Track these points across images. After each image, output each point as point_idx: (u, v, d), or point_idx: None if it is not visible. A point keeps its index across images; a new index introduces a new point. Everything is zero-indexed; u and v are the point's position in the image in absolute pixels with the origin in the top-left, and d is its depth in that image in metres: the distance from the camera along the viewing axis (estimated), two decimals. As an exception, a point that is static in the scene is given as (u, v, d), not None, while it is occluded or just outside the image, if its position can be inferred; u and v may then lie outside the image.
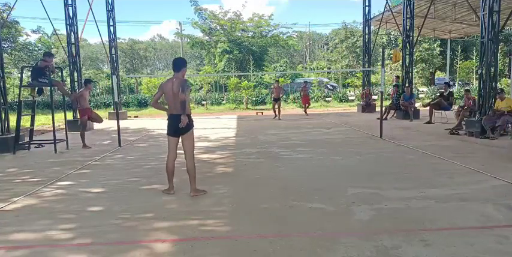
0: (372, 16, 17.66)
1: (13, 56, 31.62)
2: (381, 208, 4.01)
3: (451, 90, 13.88)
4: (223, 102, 23.73)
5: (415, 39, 13.95)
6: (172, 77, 4.59)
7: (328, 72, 35.52)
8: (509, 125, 8.68)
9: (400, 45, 16.71)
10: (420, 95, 22.44)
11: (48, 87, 9.03)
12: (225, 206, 4.25)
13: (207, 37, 32.26)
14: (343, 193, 4.58)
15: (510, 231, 3.34)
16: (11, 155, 8.00)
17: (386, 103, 14.26)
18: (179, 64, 4.61)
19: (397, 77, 15.92)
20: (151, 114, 20.01)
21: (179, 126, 4.44)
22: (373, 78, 25.87)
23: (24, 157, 7.86)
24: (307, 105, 16.86)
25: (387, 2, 15.05)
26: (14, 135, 8.36)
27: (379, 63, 34.27)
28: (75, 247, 3.27)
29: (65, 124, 9.37)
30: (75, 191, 5.01)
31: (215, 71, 29.89)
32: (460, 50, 28.74)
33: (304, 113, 16.65)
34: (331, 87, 28.70)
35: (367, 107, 16.71)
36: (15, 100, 16.36)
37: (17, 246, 3.30)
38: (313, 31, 58.20)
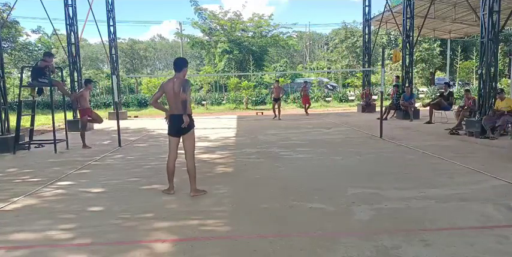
0: (372, 16, 17.66)
1: (13, 56, 31.63)
2: (381, 208, 4.01)
3: (451, 90, 13.88)
4: (223, 102, 23.73)
5: (415, 39, 13.95)
6: (173, 77, 4.59)
7: (328, 72, 35.53)
8: (509, 125, 8.68)
9: (400, 45, 16.71)
10: (420, 95, 22.44)
11: (48, 87, 9.03)
12: (225, 206, 4.25)
13: (207, 37, 32.27)
14: (343, 193, 4.58)
15: (510, 231, 3.34)
16: (11, 155, 8.00)
17: (386, 103, 14.26)
18: (180, 64, 4.61)
19: (397, 77, 15.92)
20: (151, 114, 20.01)
21: (181, 126, 4.44)
22: (373, 78, 25.87)
23: (24, 157, 7.86)
24: (307, 105, 16.84)
25: (387, 2, 15.06)
26: (14, 135, 8.36)
27: (379, 63, 34.27)
28: (75, 247, 3.27)
29: (65, 124, 9.37)
30: (75, 191, 5.01)
31: (215, 71, 29.89)
32: (460, 50, 28.74)
33: (304, 113, 16.64)
34: (331, 87, 28.70)
35: (367, 107, 16.71)
36: (15, 100, 16.36)
37: (17, 246, 3.30)
38: (313, 31, 58.29)
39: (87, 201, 4.54)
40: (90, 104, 9.22)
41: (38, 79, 8.28)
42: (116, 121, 8.87)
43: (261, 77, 31.18)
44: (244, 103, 22.84)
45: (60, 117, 11.21)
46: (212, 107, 22.76)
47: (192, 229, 3.58)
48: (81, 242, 3.34)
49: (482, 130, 8.65)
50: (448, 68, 32.00)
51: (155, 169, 6.14)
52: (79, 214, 4.06)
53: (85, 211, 4.17)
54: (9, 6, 22.86)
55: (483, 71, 8.83)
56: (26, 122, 10.07)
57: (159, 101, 4.93)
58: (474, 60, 26.79)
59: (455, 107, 11.98)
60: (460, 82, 29.35)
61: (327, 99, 23.98)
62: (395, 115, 13.63)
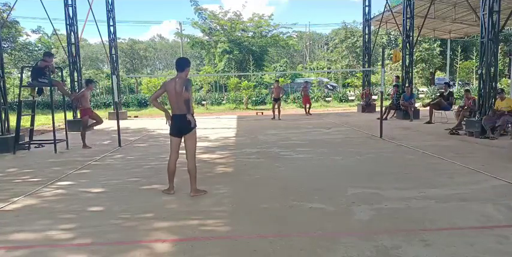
0: (372, 16, 17.65)
1: (13, 56, 31.63)
2: (381, 208, 4.01)
3: (451, 90, 13.88)
4: (223, 102, 23.73)
5: (415, 39, 13.95)
6: (175, 77, 4.59)
7: (328, 72, 35.53)
8: (509, 125, 8.69)
9: (400, 45, 16.72)
10: (420, 95, 22.44)
11: (48, 87, 9.03)
12: (225, 206, 4.25)
13: (207, 37, 32.27)
14: (343, 193, 4.58)
15: (510, 231, 3.34)
16: (11, 155, 8.00)
17: (387, 103, 14.26)
18: (183, 64, 4.61)
19: (397, 77, 15.92)
20: (151, 114, 20.01)
21: (186, 125, 4.44)
22: (373, 78, 25.88)
23: (24, 157, 7.86)
24: (308, 105, 16.73)
25: (387, 2, 15.05)
26: (14, 135, 8.36)
27: (379, 63, 34.29)
28: (75, 247, 3.27)
29: (65, 124, 9.37)
30: (75, 191, 5.01)
31: (215, 71, 29.89)
32: (460, 50, 28.73)
33: (304, 113, 16.62)
34: (331, 87, 28.69)
35: (367, 107, 16.71)
36: (15, 100, 16.36)
37: (17, 246, 3.30)
38: (313, 31, 58.30)
39: (87, 201, 4.54)
40: (90, 104, 9.23)
41: (38, 79, 8.28)
42: (116, 121, 8.87)
43: (261, 77, 31.19)
44: (244, 103, 22.84)
45: (60, 117, 11.22)
46: (212, 107, 22.75)
47: (192, 229, 3.58)
48: (81, 242, 3.34)
49: (482, 130, 8.65)
50: (448, 68, 32.00)
51: (155, 169, 6.14)
52: (79, 214, 4.06)
53: (85, 211, 4.17)
54: (9, 6, 22.88)
55: (483, 71, 8.83)
56: (26, 122, 10.07)
57: (159, 100, 4.93)
58: (474, 60, 26.79)
59: (455, 107, 11.98)
60: (460, 82, 29.35)
61: (327, 99, 23.97)
62: (395, 115, 13.63)
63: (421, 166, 5.95)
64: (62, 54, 28.78)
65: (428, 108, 12.23)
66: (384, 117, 11.36)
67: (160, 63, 63.33)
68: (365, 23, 17.65)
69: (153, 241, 3.32)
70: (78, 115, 12.27)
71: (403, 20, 13.64)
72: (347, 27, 40.64)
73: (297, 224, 3.65)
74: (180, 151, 4.70)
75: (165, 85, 4.62)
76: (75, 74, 13.40)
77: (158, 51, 61.51)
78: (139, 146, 8.81)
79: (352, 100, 23.36)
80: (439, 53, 31.65)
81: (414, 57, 18.44)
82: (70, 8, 13.05)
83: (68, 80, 15.85)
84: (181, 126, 4.51)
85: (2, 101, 8.78)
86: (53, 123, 8.42)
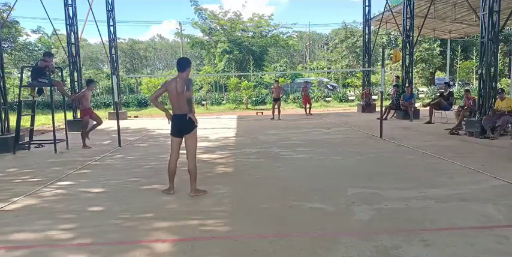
0: (372, 16, 17.65)
1: (13, 56, 31.62)
2: (381, 208, 4.01)
3: (451, 90, 13.88)
4: (223, 102, 23.73)
5: (415, 39, 13.95)
6: (176, 77, 4.59)
7: (328, 72, 35.53)
8: (509, 125, 8.69)
9: (400, 45, 16.72)
10: (420, 95, 22.44)
11: (48, 87, 9.03)
12: (225, 206, 4.25)
13: (207, 37, 32.28)
14: (343, 193, 4.58)
15: (510, 231, 3.34)
16: (11, 155, 8.00)
17: (386, 103, 14.26)
18: (184, 64, 4.62)
19: (397, 77, 15.92)
20: (151, 114, 20.01)
21: (186, 125, 4.45)
22: (373, 78, 25.87)
23: (24, 157, 7.86)
24: (308, 105, 16.61)
25: (387, 2, 15.05)
26: (14, 135, 8.36)
27: (379, 63, 34.29)
28: (75, 247, 3.27)
29: (65, 124, 9.37)
30: (75, 191, 5.01)
31: (215, 71, 29.89)
32: (460, 50, 28.73)
33: (304, 113, 16.59)
34: (331, 87, 28.70)
35: (367, 107, 16.71)
36: (15, 100, 16.36)
37: (17, 246, 3.30)
38: (313, 31, 58.30)
39: (87, 201, 4.54)
40: (90, 104, 9.23)
41: (38, 79, 8.27)
42: (116, 121, 8.88)
43: (261, 77, 31.18)
44: (244, 103, 22.84)
45: (60, 117, 11.22)
46: (212, 107, 22.76)
47: (192, 229, 3.58)
48: (81, 242, 3.34)
49: (482, 130, 8.65)
50: (448, 68, 32.00)
51: (155, 169, 6.14)
52: (79, 214, 4.06)
53: (85, 211, 4.17)
54: (9, 6, 22.88)
55: (483, 71, 8.83)
56: (26, 122, 10.07)
57: (159, 100, 4.93)
58: (474, 60, 26.79)
59: (455, 107, 11.98)
60: (460, 82, 29.35)
61: (327, 99, 23.98)
62: (395, 115, 13.63)
63: (421, 166, 5.95)
64: (62, 54, 28.78)
65: (428, 108, 12.23)
66: (384, 117, 11.37)
67: (160, 63, 63.32)
68: (365, 23, 17.65)
69: (153, 241, 3.32)
70: (78, 115, 12.31)
71: (403, 20, 13.64)
72: (347, 27, 40.65)
73: (297, 224, 3.65)
74: (180, 151, 4.71)
75: (166, 85, 4.62)
76: (75, 74, 13.40)
77: (158, 51, 61.51)
78: (139, 146, 8.81)
79: (352, 100, 23.36)
80: (439, 53, 31.64)
81: (414, 57, 18.45)
82: (70, 8, 13.06)
83: (68, 80, 15.86)
84: (182, 126, 4.51)
85: (2, 101, 8.78)
86: (53, 123, 8.42)
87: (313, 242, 3.22)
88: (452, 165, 5.95)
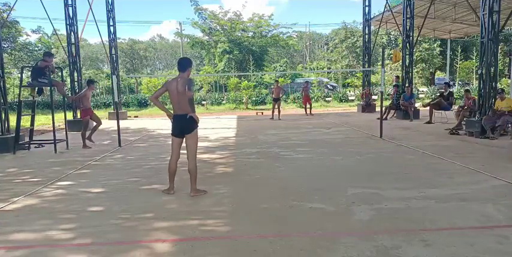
0: (372, 16, 17.65)
1: (13, 56, 31.62)
2: (381, 208, 4.01)
3: (451, 90, 13.88)
4: (223, 102, 23.73)
5: (415, 39, 13.95)
6: (177, 77, 4.60)
7: (328, 72, 35.52)
8: (509, 125, 8.69)
9: (400, 45, 16.72)
10: (420, 95, 22.44)
11: (48, 87, 9.03)
12: (225, 206, 4.25)
13: (207, 37, 32.28)
14: (343, 193, 4.58)
15: (510, 231, 3.34)
16: (11, 155, 8.00)
17: (386, 103, 14.26)
18: (185, 64, 4.62)
19: (397, 77, 15.92)
20: (151, 114, 20.02)
21: (188, 125, 4.46)
22: (373, 78, 25.88)
23: (24, 157, 7.86)
24: (308, 105, 16.50)
25: (387, 2, 15.05)
26: (14, 135, 8.36)
27: (379, 63, 34.29)
28: (75, 247, 3.27)
29: (65, 124, 9.37)
30: (75, 191, 5.01)
31: (215, 71, 29.89)
32: (460, 50, 28.73)
33: (305, 113, 16.57)
34: (331, 87, 28.70)
35: (367, 107, 16.71)
36: (15, 100, 16.36)
37: (17, 246, 3.30)
38: (313, 31, 58.29)
39: (87, 201, 4.54)
40: (91, 104, 9.23)
41: (38, 79, 8.28)
42: (116, 121, 8.88)
43: (261, 77, 31.18)
44: (244, 103, 22.84)
45: (60, 117, 11.22)
46: (212, 107, 22.76)
47: (192, 229, 3.58)
48: (81, 242, 3.34)
49: (482, 130, 8.65)
50: (448, 68, 32.00)
51: (155, 169, 6.14)
52: (79, 214, 4.06)
53: (85, 211, 4.17)
54: (9, 6, 22.87)
55: (483, 71, 8.83)
56: (26, 122, 10.07)
57: (160, 100, 4.92)
58: (474, 60, 26.79)
59: (455, 107, 11.98)
60: (460, 82, 29.35)
61: (327, 99, 23.98)
62: (395, 115, 13.63)
63: (421, 166, 5.95)
64: (62, 54, 28.78)
65: (428, 108, 12.23)
66: (384, 117, 11.37)
67: (160, 63, 63.32)
68: (365, 23, 17.65)
69: (153, 241, 3.32)
70: (78, 115, 12.31)
71: (403, 20, 13.64)
72: (347, 27, 40.65)
73: (297, 224, 3.65)
74: (181, 151, 4.71)
75: (167, 85, 4.61)
76: (75, 74, 13.40)
77: (158, 51, 61.51)
78: (139, 146, 8.81)
79: (352, 100, 23.37)
80: (439, 53, 31.64)
81: (414, 57, 18.45)
82: (70, 8, 13.06)
83: (68, 80, 15.86)
84: (183, 126, 4.52)
85: (2, 101, 8.78)
86: (53, 123, 8.42)
87: (313, 242, 3.22)
88: (452, 165, 5.95)
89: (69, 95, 12.48)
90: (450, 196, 4.36)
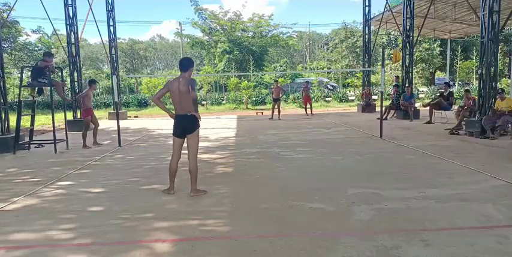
0: (372, 16, 17.66)
1: (13, 56, 31.62)
2: (381, 208, 4.01)
3: (451, 90, 13.88)
4: (223, 102, 23.74)
5: (415, 39, 13.95)
6: (178, 77, 4.60)
7: (328, 72, 35.53)
8: (509, 125, 8.69)
9: (400, 45, 16.72)
10: (420, 95, 22.45)
11: (48, 87, 9.04)
12: (225, 206, 4.25)
13: (207, 37, 32.28)
14: (343, 193, 4.58)
15: (510, 231, 3.34)
16: (11, 155, 8.00)
17: (386, 103, 14.26)
18: (186, 64, 4.63)
19: (397, 77, 15.92)
20: (151, 114, 20.02)
21: (189, 125, 4.47)
22: (373, 78, 25.88)
23: (24, 157, 7.86)
24: (309, 105, 16.44)
25: (387, 2, 15.05)
26: (14, 135, 8.36)
27: (379, 63, 34.30)
28: (75, 247, 3.27)
29: (65, 124, 9.37)
30: (75, 191, 5.01)
31: (215, 71, 29.89)
32: (460, 50, 28.73)
33: (305, 113, 16.56)
34: (331, 87, 28.71)
35: (367, 107, 16.71)
36: (15, 100, 16.36)
37: (17, 246, 3.30)
38: (313, 31, 58.29)
39: (87, 201, 4.54)
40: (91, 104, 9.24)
41: (37, 79, 8.28)
42: (116, 121, 8.88)
43: (261, 77, 31.18)
44: (244, 103, 22.84)
45: (60, 117, 11.21)
46: (212, 107, 22.76)
47: (192, 229, 3.58)
48: (81, 242, 3.34)
49: (482, 130, 8.65)
50: (448, 68, 32.00)
51: (155, 169, 6.14)
52: (79, 214, 4.06)
53: (85, 211, 4.17)
54: (9, 6, 22.87)
55: (483, 71, 8.83)
56: (26, 122, 10.07)
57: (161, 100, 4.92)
58: (474, 60, 26.79)
59: (455, 107, 11.98)
60: (460, 82, 29.35)
61: (327, 99, 23.98)
62: (395, 115, 13.63)
63: (421, 166, 5.95)
64: (62, 54, 28.78)
65: (428, 108, 12.23)
66: (384, 117, 11.37)
67: (160, 63, 63.33)
68: (365, 23, 17.65)
69: (153, 241, 3.32)
70: (78, 115, 12.32)
71: (403, 20, 13.64)
72: (347, 27, 40.66)
73: (297, 224, 3.65)
74: (182, 151, 4.71)
75: (168, 85, 4.61)
76: (75, 74, 13.40)
77: (158, 51, 61.52)
78: (139, 146, 8.81)
79: (352, 100, 23.37)
80: (439, 53, 31.65)
81: (414, 57, 18.45)
82: (70, 8, 13.06)
83: (68, 80, 15.85)
84: (185, 126, 4.52)
85: (2, 101, 8.78)
86: (53, 123, 8.42)
87: (313, 242, 3.22)
88: (452, 165, 5.95)
89: (69, 95, 12.48)
90: (450, 196, 4.36)
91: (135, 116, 18.51)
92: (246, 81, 25.21)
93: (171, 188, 4.73)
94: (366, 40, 17.54)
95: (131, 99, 24.41)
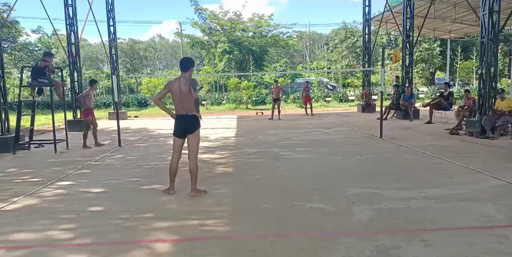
0: (372, 16, 17.66)
1: (13, 56, 31.62)
2: (381, 208, 4.01)
3: (451, 90, 13.88)
4: (223, 102, 23.74)
5: (415, 39, 13.95)
6: (179, 77, 4.60)
7: (328, 72, 35.53)
8: (509, 125, 8.69)
9: (400, 45, 16.72)
10: (420, 95, 22.44)
11: (48, 87, 9.03)
12: (225, 206, 4.25)
13: (207, 37, 32.29)
14: (343, 193, 4.58)
15: (510, 231, 3.34)
16: (11, 155, 8.00)
17: (386, 103, 14.26)
18: (187, 64, 4.63)
19: (397, 77, 15.92)
20: (151, 114, 20.02)
21: (190, 125, 4.48)
22: (373, 78, 25.88)
23: (24, 157, 7.86)
24: (309, 105, 16.39)
25: (387, 2, 15.05)
26: (14, 135, 8.36)
27: (379, 63, 34.29)
28: (75, 247, 3.27)
29: (65, 124, 9.37)
30: (75, 191, 5.01)
31: (215, 71, 29.89)
32: (460, 50, 28.73)
33: (305, 113, 16.56)
34: (331, 87, 28.70)
35: (367, 107, 16.71)
36: (15, 100, 16.36)
37: (17, 246, 3.30)
38: (313, 31, 58.30)
39: (87, 201, 4.54)
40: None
41: (37, 79, 8.28)
42: (116, 121, 8.88)
43: (261, 77, 31.18)
44: (244, 103, 22.84)
45: (60, 117, 11.21)
46: (212, 107, 22.76)
47: (192, 229, 3.58)
48: (81, 242, 3.34)
49: (482, 130, 8.65)
50: (448, 68, 32.00)
51: (155, 169, 6.14)
52: (79, 214, 4.06)
53: (85, 211, 4.17)
54: (9, 6, 22.86)
55: (483, 71, 8.83)
56: (26, 122, 10.07)
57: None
58: (474, 60, 26.79)
59: (455, 107, 11.98)
60: (460, 82, 29.35)
61: (327, 99, 23.98)
62: (395, 115, 13.63)
63: (421, 166, 5.95)
64: (62, 54, 28.78)
65: (428, 108, 12.23)
66: (384, 117, 11.37)
67: (160, 63, 63.33)
68: (365, 23, 17.65)
69: (153, 241, 3.32)
70: (78, 115, 12.33)
71: (403, 20, 13.64)
72: (347, 27, 40.66)
73: (297, 224, 3.64)
74: (182, 151, 4.71)
75: (169, 85, 4.60)
76: (75, 74, 13.39)
77: (158, 51, 61.52)
78: (139, 146, 8.81)
79: (352, 100, 23.37)
80: (439, 53, 31.65)
81: (414, 57, 18.45)
82: (70, 8, 13.05)
83: (68, 80, 15.86)
84: (186, 126, 4.52)
85: (2, 101, 8.78)
86: (53, 123, 8.42)
87: (313, 242, 3.22)
88: (452, 165, 5.95)
89: (69, 95, 12.48)
90: (450, 196, 4.36)
91: (135, 116, 18.51)
92: (246, 81, 25.21)
93: (171, 188, 4.73)
94: (366, 40, 17.54)
95: (131, 99, 24.40)
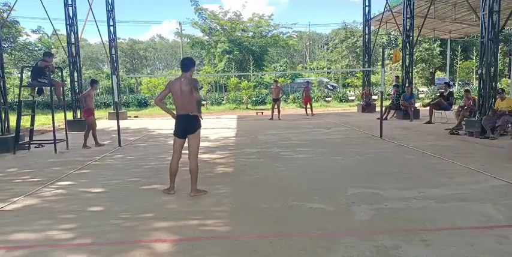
0: (372, 16, 17.66)
1: (13, 56, 31.63)
2: (381, 208, 4.01)
3: (451, 90, 13.89)
4: (223, 102, 23.74)
5: (415, 39, 13.95)
6: (180, 77, 4.60)
7: (328, 72, 35.53)
8: (509, 125, 8.69)
9: (400, 45, 16.72)
10: (420, 95, 22.45)
11: (48, 88, 9.03)
12: (225, 206, 4.25)
13: (207, 37, 32.29)
14: (343, 193, 4.58)
15: (510, 231, 3.34)
16: (11, 155, 8.00)
17: (386, 103, 14.26)
18: (188, 64, 4.63)
19: (397, 77, 15.92)
20: (152, 114, 20.02)
21: (191, 125, 4.47)
22: (373, 78, 25.88)
23: (24, 157, 7.86)
24: (309, 105, 16.37)
25: (387, 2, 15.05)
26: (14, 135, 8.36)
27: (379, 63, 34.29)
28: (75, 247, 3.26)
29: (65, 124, 9.38)
30: (75, 191, 5.01)
31: (215, 71, 29.89)
32: (460, 50, 28.74)
33: (305, 113, 16.55)
34: (331, 87, 28.71)
35: (367, 107, 16.71)
36: (15, 100, 16.37)
37: (17, 246, 3.30)
38: (313, 31, 58.30)
39: (87, 201, 4.54)
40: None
41: (37, 79, 8.28)
42: (116, 121, 8.88)
43: (261, 77, 31.19)
44: (244, 103, 22.84)
45: (60, 117, 11.21)
46: (212, 107, 22.76)
47: (192, 229, 3.58)
48: (81, 242, 3.34)
49: (482, 130, 8.65)
50: (448, 68, 32.01)
51: (155, 169, 6.14)
52: (79, 214, 4.06)
53: (85, 211, 4.17)
54: (9, 6, 22.86)
55: (483, 71, 8.83)
56: (26, 122, 10.07)
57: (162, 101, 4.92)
58: (474, 60, 26.79)
59: (455, 107, 11.98)
60: (460, 82, 29.35)
61: (327, 99, 23.99)
62: (395, 115, 13.63)
63: (421, 166, 5.95)
64: (62, 54, 28.78)
65: (428, 108, 12.23)
66: (384, 117, 11.37)
67: (160, 63, 63.33)
68: (365, 23, 17.66)
69: (153, 241, 3.32)
70: (78, 115, 12.34)
71: (403, 20, 13.64)
72: (347, 27, 40.68)
73: (297, 224, 3.64)
74: (182, 151, 4.71)
75: (170, 85, 4.60)
76: (75, 74, 13.40)
77: (158, 51, 61.52)
78: (139, 146, 8.81)
79: (352, 100, 23.37)
80: (439, 53, 31.65)
81: (414, 57, 18.45)
82: (70, 8, 13.06)
83: (68, 80, 15.86)
84: (187, 126, 4.52)
85: (2, 101, 8.78)
86: (53, 123, 8.42)
87: (313, 242, 3.22)
88: (452, 165, 5.95)
89: (69, 95, 12.48)
90: (450, 196, 4.36)
91: (135, 116, 18.51)
92: (246, 81, 25.22)
93: (171, 188, 4.73)
94: (366, 40, 17.55)
95: (131, 99, 24.41)
